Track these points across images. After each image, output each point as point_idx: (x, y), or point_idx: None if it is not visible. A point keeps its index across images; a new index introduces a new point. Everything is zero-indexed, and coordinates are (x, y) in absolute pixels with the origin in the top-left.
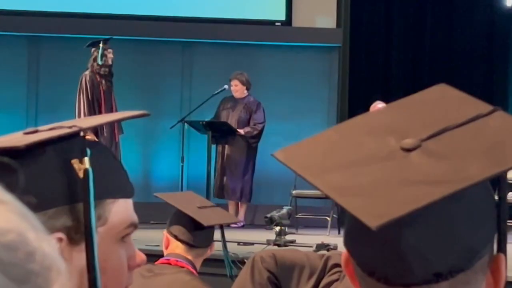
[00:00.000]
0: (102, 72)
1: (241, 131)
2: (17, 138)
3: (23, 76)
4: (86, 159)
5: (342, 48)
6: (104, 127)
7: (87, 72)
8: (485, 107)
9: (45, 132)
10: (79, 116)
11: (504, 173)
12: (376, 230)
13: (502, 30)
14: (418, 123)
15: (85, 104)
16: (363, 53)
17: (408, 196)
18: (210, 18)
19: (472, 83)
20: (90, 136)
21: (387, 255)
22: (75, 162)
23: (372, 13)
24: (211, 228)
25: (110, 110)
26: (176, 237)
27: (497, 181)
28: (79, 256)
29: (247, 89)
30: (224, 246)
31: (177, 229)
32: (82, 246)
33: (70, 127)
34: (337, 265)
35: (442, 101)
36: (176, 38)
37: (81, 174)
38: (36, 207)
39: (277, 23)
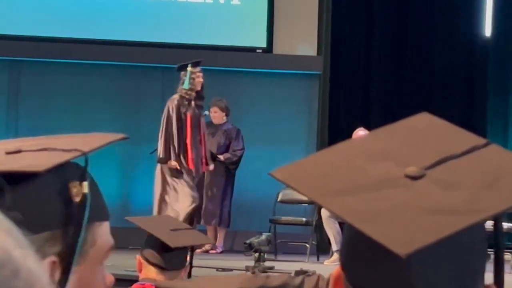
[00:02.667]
0: (188, 97)
1: (221, 157)
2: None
3: (3, 101)
4: (85, 184)
5: (323, 75)
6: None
7: (175, 96)
8: (477, 139)
9: (38, 152)
10: (166, 143)
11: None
12: (404, 257)
13: (481, 59)
14: (414, 151)
15: (174, 130)
16: (343, 81)
17: (433, 224)
18: (191, 44)
19: (452, 111)
20: (173, 163)
21: (394, 281)
22: (73, 186)
23: (353, 41)
24: (183, 251)
25: (198, 135)
26: (147, 260)
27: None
28: (72, 277)
29: (226, 115)
30: (190, 271)
31: (149, 252)
32: (76, 268)
33: (69, 150)
34: None
35: (430, 130)
36: (156, 64)
37: (78, 199)
38: (32, 229)
39: (258, 50)
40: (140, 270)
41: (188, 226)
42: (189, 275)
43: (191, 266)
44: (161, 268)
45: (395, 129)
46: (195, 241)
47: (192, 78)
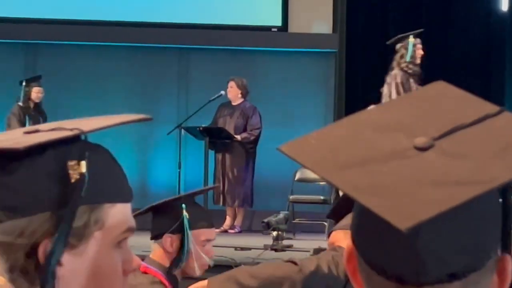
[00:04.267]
0: (411, 71)
1: (238, 137)
2: (17, 138)
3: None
4: (83, 163)
5: (339, 53)
6: None
7: (395, 72)
8: (490, 107)
9: (46, 132)
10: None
11: None
12: (405, 231)
13: (498, 34)
14: (425, 121)
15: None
16: (359, 58)
17: (437, 196)
18: (207, 24)
19: (469, 86)
20: None
21: (403, 253)
22: (71, 165)
23: (368, 18)
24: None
25: None
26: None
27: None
28: (75, 259)
29: (242, 94)
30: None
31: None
32: (79, 250)
33: (71, 129)
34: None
35: (444, 99)
36: (172, 45)
37: (74, 178)
38: (27, 211)
39: (273, 29)
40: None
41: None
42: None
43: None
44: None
45: (408, 99)
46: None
47: (413, 51)
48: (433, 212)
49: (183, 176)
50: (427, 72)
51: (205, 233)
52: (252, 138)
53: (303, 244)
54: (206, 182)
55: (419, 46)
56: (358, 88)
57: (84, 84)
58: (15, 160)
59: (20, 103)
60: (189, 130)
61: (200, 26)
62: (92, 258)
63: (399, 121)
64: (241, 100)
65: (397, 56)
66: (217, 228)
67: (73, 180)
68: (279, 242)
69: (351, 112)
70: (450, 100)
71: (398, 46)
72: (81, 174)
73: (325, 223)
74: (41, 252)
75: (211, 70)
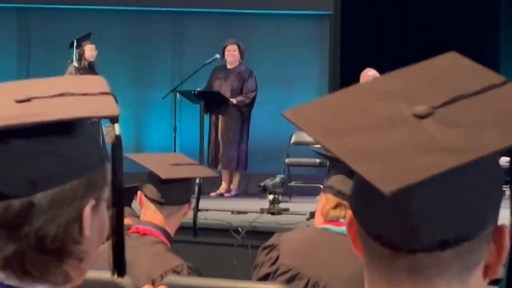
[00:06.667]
0: None
1: (234, 100)
2: (10, 105)
3: (13, 48)
4: (117, 126)
5: (333, 15)
6: None
7: None
8: (496, 77)
9: (75, 98)
10: None
11: None
12: (388, 194)
13: None
14: (429, 90)
15: None
16: (355, 21)
17: (423, 163)
18: None
19: (465, 44)
20: None
21: (396, 220)
22: (106, 129)
23: None
24: (184, 186)
25: None
26: (146, 196)
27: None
28: (99, 212)
29: (241, 58)
30: (196, 206)
31: (147, 187)
32: (101, 205)
33: (89, 94)
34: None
35: (453, 69)
36: (166, 8)
37: (111, 140)
38: (78, 173)
39: None
40: (141, 206)
41: (194, 162)
42: (196, 212)
43: (197, 201)
44: (158, 203)
45: (418, 68)
46: (193, 174)
47: None
48: (418, 177)
49: (178, 140)
50: (423, 33)
51: None
52: (247, 101)
53: (300, 207)
54: (201, 145)
55: None
56: (352, 50)
57: None
58: (57, 129)
59: (75, 64)
60: (184, 94)
61: None
62: (103, 213)
63: (403, 89)
64: (237, 63)
65: None
66: (213, 191)
67: (110, 141)
68: (276, 205)
69: (346, 73)
70: (458, 70)
71: None
72: (117, 136)
73: (321, 186)
74: (87, 213)
75: (205, 33)
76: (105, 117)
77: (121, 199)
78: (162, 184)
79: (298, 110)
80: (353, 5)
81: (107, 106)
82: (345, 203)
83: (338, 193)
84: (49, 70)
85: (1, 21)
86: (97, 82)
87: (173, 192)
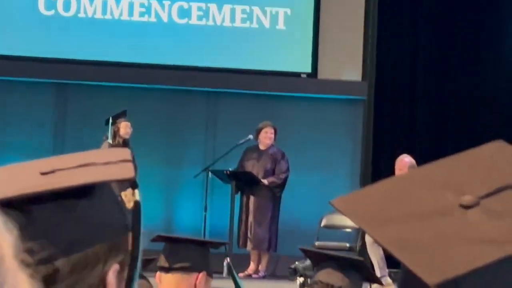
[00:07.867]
0: None
1: (265, 181)
2: (34, 177)
3: (50, 123)
4: (137, 191)
5: (367, 100)
6: None
7: None
8: None
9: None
10: None
11: None
12: (433, 286)
13: None
14: (475, 180)
15: None
16: (388, 106)
17: (468, 254)
18: (236, 69)
19: (496, 131)
20: None
21: None
22: (125, 195)
23: (397, 66)
24: (197, 251)
25: None
26: (159, 268)
27: None
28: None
29: (275, 140)
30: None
31: (161, 258)
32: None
33: (110, 163)
34: None
35: (499, 158)
36: (201, 88)
37: (131, 205)
38: (98, 239)
39: (302, 75)
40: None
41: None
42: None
43: (235, 280)
44: (165, 269)
45: (463, 156)
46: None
47: None
48: (462, 269)
49: (208, 219)
50: (456, 119)
51: None
52: (279, 182)
53: None
54: (231, 225)
55: None
56: (385, 135)
57: None
58: (78, 195)
59: (109, 141)
60: (216, 173)
61: (230, 70)
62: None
63: (450, 179)
64: (272, 144)
65: None
66: (241, 272)
67: (130, 207)
68: None
69: (378, 158)
70: (504, 159)
71: None
72: (137, 202)
73: None
74: (110, 278)
75: (239, 114)
76: (120, 180)
77: (136, 267)
78: (171, 250)
79: (345, 199)
80: (387, 90)
81: (124, 170)
82: None
83: (327, 287)
84: (84, 147)
85: (39, 96)
86: (120, 153)
87: (183, 257)
